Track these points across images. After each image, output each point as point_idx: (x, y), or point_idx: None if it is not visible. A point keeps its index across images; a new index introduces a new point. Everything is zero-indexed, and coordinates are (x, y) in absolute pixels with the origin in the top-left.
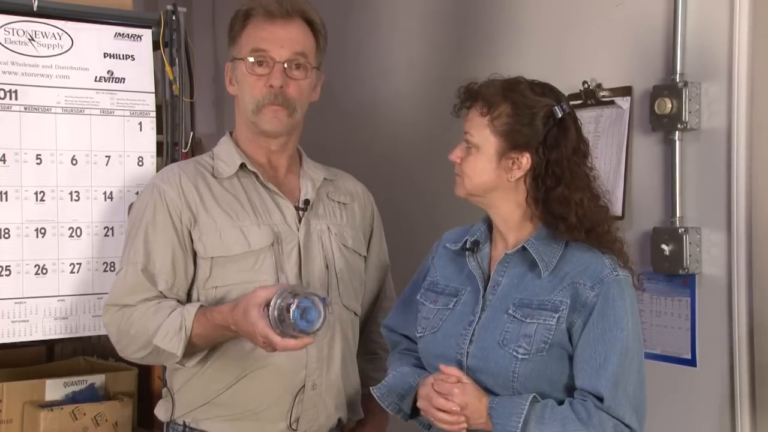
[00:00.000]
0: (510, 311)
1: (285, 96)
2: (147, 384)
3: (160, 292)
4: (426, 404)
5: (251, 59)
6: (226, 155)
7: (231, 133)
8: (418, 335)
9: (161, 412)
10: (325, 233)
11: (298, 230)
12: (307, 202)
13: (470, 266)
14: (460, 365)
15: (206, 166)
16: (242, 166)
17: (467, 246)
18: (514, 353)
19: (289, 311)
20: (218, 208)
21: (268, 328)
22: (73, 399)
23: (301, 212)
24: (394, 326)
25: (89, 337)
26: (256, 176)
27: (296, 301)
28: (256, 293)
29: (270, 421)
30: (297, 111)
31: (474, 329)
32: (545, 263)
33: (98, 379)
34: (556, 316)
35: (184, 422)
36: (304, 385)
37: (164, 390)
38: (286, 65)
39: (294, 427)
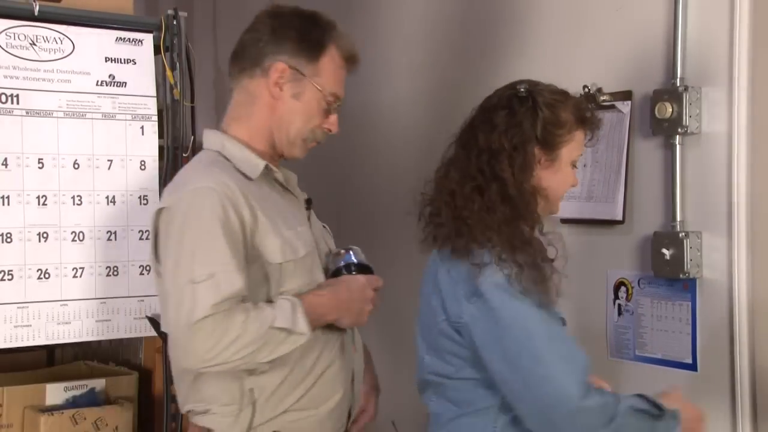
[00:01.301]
0: None
1: None
2: (148, 388)
3: (243, 296)
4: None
5: (331, 101)
6: (241, 156)
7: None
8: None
9: (225, 425)
10: (323, 230)
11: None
12: (309, 201)
13: None
14: None
15: (232, 167)
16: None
17: None
18: None
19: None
20: (271, 211)
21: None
22: (74, 403)
23: (307, 212)
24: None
25: (90, 342)
26: (274, 178)
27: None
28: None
29: (341, 413)
30: None
31: None
32: None
33: (99, 384)
34: None
35: None
36: (353, 374)
37: (225, 409)
38: None
39: (350, 415)
